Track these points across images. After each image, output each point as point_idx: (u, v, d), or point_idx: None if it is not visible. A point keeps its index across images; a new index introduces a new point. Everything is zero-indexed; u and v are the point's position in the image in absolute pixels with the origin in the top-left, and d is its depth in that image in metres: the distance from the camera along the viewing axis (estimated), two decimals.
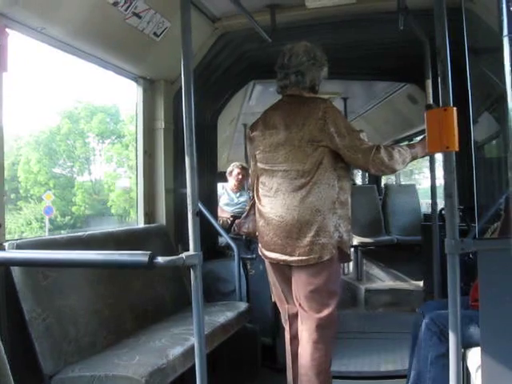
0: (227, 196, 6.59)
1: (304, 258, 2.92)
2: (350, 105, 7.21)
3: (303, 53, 3.07)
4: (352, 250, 5.24)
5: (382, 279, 6.74)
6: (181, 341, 2.88)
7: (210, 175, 4.91)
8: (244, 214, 3.48)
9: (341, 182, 2.98)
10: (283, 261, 3.02)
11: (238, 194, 6.64)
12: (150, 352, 2.73)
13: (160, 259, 2.01)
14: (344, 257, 3.05)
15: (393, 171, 3.06)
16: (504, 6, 0.93)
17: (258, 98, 6.71)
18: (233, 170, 6.62)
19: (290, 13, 3.95)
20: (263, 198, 3.11)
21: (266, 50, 4.19)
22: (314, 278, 2.96)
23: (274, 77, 3.22)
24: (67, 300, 2.79)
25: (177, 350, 2.70)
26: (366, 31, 4.28)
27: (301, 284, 3.02)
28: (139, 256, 2.05)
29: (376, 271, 6.86)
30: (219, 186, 6.08)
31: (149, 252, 2.02)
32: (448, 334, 1.95)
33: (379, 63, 5.23)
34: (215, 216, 4.29)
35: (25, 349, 2.56)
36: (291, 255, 2.96)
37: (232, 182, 6.62)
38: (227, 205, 6.48)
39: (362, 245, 6.89)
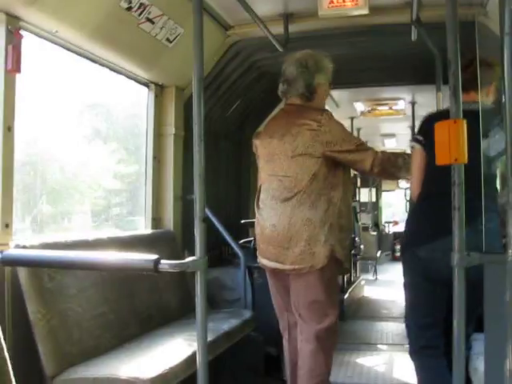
0: None
1: (296, 266, 2.91)
2: (417, 110, 7.12)
3: (295, 62, 3.04)
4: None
5: None
6: (184, 347, 2.88)
7: (228, 183, 4.94)
8: None
9: (333, 192, 2.94)
10: (277, 269, 3.01)
11: None
12: (153, 357, 2.73)
13: (165, 263, 2.01)
14: (340, 268, 3.03)
15: (395, 177, 3.06)
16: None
17: None
18: None
19: (303, 22, 3.96)
20: (262, 205, 3.10)
21: (278, 59, 4.20)
22: (311, 289, 2.94)
23: None
24: (72, 302, 2.79)
25: (179, 356, 2.69)
26: (379, 42, 4.29)
27: (299, 295, 3.00)
28: (145, 259, 2.04)
29: None
30: None
31: (155, 256, 2.01)
32: None
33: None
34: (224, 223, 4.29)
35: (28, 349, 2.56)
36: (284, 263, 2.95)
37: None
38: None
39: None
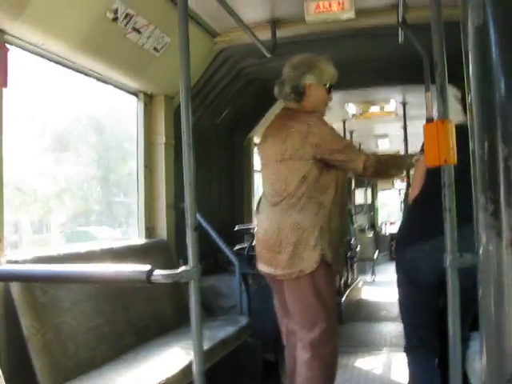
0: None
1: (286, 271, 2.87)
2: (409, 110, 7.16)
3: (289, 64, 3.05)
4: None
5: None
6: (181, 356, 2.87)
7: (221, 190, 4.95)
8: None
9: (324, 195, 2.90)
10: (270, 274, 2.99)
11: None
12: (149, 367, 2.72)
13: (158, 274, 1.99)
14: (332, 271, 2.97)
15: (388, 175, 3.05)
16: None
17: None
18: None
19: (290, 27, 3.96)
20: (260, 210, 3.11)
21: (266, 65, 4.21)
22: (301, 295, 2.90)
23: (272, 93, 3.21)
24: (66, 316, 2.77)
25: (176, 366, 2.68)
26: (367, 45, 4.30)
27: (291, 301, 2.97)
28: (137, 270, 2.03)
29: None
30: None
31: (147, 266, 2.00)
32: None
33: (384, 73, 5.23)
34: (218, 231, 4.28)
35: (22, 364, 2.53)
36: (276, 268, 2.92)
37: None
38: None
39: None
